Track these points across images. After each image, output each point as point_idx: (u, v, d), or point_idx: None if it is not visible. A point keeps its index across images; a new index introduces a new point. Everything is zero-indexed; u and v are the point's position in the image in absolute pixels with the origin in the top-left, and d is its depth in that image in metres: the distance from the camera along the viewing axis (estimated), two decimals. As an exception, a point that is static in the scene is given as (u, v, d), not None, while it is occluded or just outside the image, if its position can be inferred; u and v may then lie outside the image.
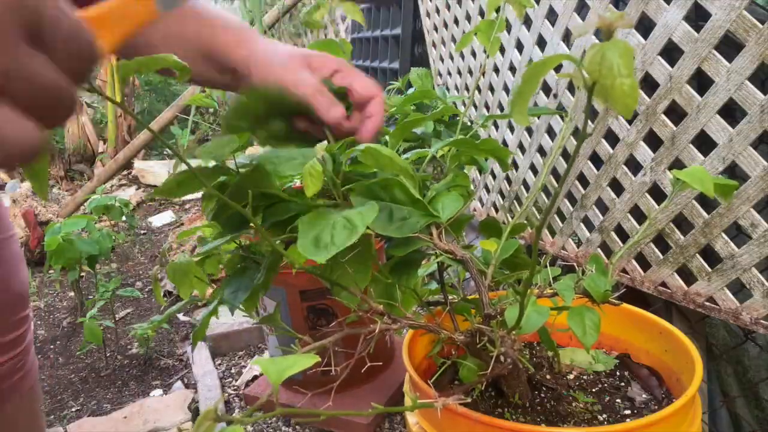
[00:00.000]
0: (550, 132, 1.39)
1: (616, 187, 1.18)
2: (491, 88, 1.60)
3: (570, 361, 0.79)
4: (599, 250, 1.26)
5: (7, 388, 0.83)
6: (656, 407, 0.69)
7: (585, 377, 0.77)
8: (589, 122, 1.22)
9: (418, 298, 0.67)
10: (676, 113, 1.01)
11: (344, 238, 0.46)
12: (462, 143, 0.64)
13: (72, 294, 2.35)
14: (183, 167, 0.50)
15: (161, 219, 3.43)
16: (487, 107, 1.65)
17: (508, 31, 1.46)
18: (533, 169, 1.48)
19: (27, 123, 0.26)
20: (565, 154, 1.35)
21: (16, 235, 0.84)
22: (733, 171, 0.95)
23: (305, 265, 0.56)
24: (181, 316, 2.13)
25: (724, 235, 0.96)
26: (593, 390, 0.74)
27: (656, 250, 1.11)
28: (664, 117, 1.03)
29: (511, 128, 1.55)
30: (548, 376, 0.75)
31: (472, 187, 0.72)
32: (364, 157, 0.54)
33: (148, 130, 0.44)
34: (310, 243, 0.46)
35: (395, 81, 1.48)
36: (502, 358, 0.59)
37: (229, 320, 1.87)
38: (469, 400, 0.65)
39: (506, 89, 1.54)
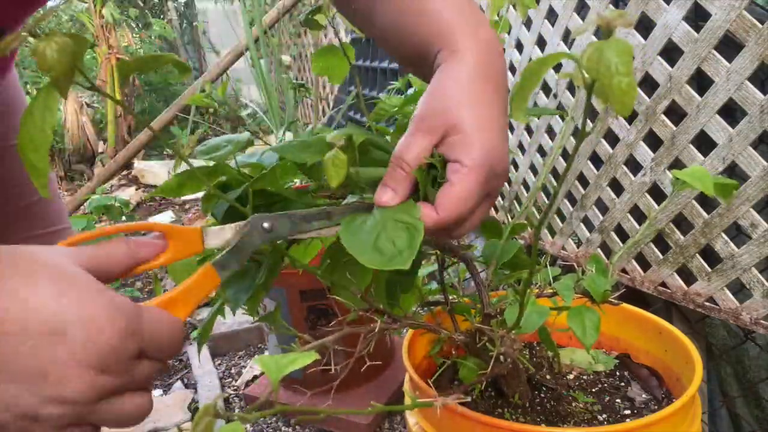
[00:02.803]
0: (550, 132, 1.39)
1: (616, 187, 1.18)
2: (491, 88, 1.60)
3: (570, 361, 0.79)
4: (599, 250, 1.26)
5: None
6: (656, 407, 0.69)
7: (585, 377, 0.77)
8: (589, 122, 1.23)
9: (418, 297, 0.67)
10: (676, 113, 1.01)
11: (408, 239, 0.43)
12: None
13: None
14: (184, 167, 0.50)
15: (161, 219, 3.43)
16: (487, 107, 1.65)
17: (508, 32, 1.46)
18: (533, 169, 1.48)
19: (141, 397, 0.38)
20: (565, 154, 1.35)
21: (71, 228, 0.86)
22: (733, 171, 0.95)
23: (308, 265, 0.56)
24: (181, 316, 2.12)
25: (724, 235, 0.96)
26: (593, 390, 0.74)
27: (656, 250, 1.11)
28: (663, 117, 1.03)
29: (511, 128, 1.55)
30: (548, 376, 0.75)
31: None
32: (362, 150, 0.53)
33: (149, 128, 0.44)
34: (372, 252, 0.43)
35: (395, 81, 1.48)
36: (501, 358, 0.59)
37: (229, 320, 1.87)
38: (468, 399, 0.65)
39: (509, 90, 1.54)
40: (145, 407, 0.38)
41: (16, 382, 0.33)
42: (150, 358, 0.38)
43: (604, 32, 0.27)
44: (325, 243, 0.61)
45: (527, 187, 1.52)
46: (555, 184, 1.39)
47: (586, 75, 0.27)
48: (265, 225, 0.48)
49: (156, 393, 1.71)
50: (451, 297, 0.69)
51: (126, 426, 0.37)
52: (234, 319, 1.87)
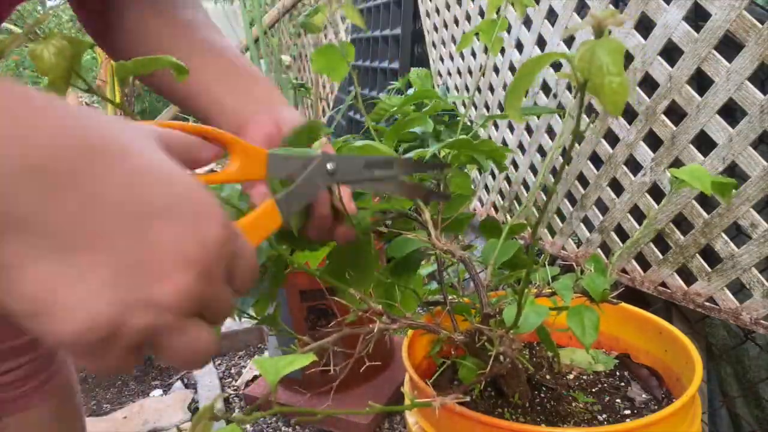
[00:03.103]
0: (550, 132, 1.39)
1: (616, 187, 1.18)
2: (491, 88, 1.60)
3: (570, 361, 0.79)
4: (599, 250, 1.26)
5: (34, 388, 0.82)
6: (656, 407, 0.69)
7: (585, 377, 0.77)
8: (586, 118, 1.23)
9: (418, 298, 0.67)
10: (676, 113, 1.01)
11: None
12: (461, 144, 0.64)
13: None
14: None
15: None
16: (487, 107, 1.65)
17: (508, 32, 1.46)
18: (533, 169, 1.48)
19: (209, 333, 0.31)
20: (564, 154, 1.35)
21: None
22: (733, 171, 0.95)
23: (307, 267, 0.56)
24: (181, 316, 2.13)
25: (724, 235, 0.96)
26: (593, 390, 0.74)
27: (656, 250, 1.11)
28: (664, 117, 1.03)
29: (511, 128, 1.55)
30: (548, 376, 0.75)
31: (471, 186, 0.72)
32: (360, 153, 0.54)
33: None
34: None
35: (395, 81, 1.49)
36: (501, 358, 0.59)
37: (228, 320, 1.87)
38: (467, 399, 0.65)
39: (506, 89, 1.54)
40: (211, 345, 0.31)
41: (110, 276, 0.25)
42: (230, 284, 0.32)
43: (596, 32, 0.27)
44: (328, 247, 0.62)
45: (527, 187, 1.52)
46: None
47: (579, 75, 0.27)
48: (329, 167, 0.44)
49: (156, 393, 1.71)
50: (450, 297, 0.69)
51: (187, 366, 0.31)
52: (234, 320, 1.87)
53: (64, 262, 0.24)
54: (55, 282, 0.24)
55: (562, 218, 1.37)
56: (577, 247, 1.35)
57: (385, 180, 0.49)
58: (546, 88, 1.37)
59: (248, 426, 1.48)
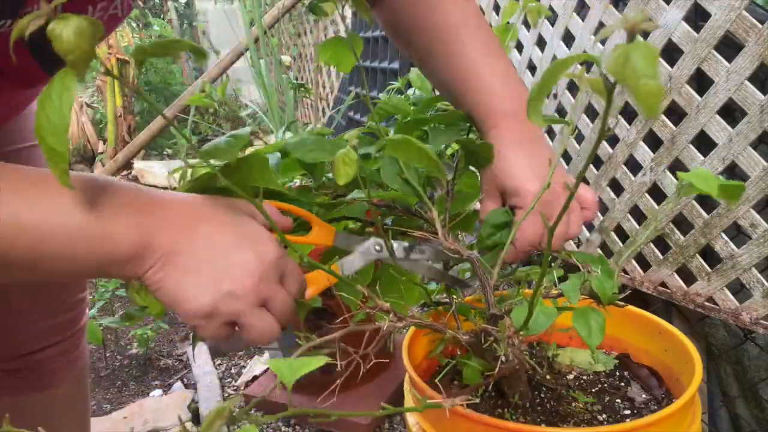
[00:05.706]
0: (550, 132, 1.40)
1: (616, 187, 1.18)
2: (491, 89, 1.60)
3: (570, 361, 0.79)
4: (599, 250, 1.26)
5: (63, 367, 0.90)
6: (656, 407, 0.69)
7: (585, 377, 0.77)
8: (594, 123, 1.23)
9: (422, 294, 0.67)
10: (676, 113, 1.01)
11: None
12: (461, 144, 0.64)
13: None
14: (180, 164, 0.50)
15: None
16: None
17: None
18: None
19: (275, 321, 0.50)
20: (565, 155, 1.35)
21: None
22: (733, 171, 0.95)
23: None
24: (180, 316, 2.12)
25: (723, 235, 0.96)
26: (593, 390, 0.74)
27: (656, 250, 1.11)
28: (664, 117, 1.03)
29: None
30: (548, 376, 0.75)
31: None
32: (393, 148, 0.52)
33: (163, 116, 0.44)
34: None
35: (395, 81, 1.48)
36: (508, 359, 0.59)
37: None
38: (477, 400, 0.65)
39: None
40: (274, 330, 0.50)
41: (210, 281, 0.46)
42: (286, 289, 0.51)
43: (628, 36, 0.27)
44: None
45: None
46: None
47: (610, 77, 0.27)
48: (377, 247, 0.59)
49: (156, 393, 1.71)
50: (453, 297, 0.69)
51: (257, 342, 0.49)
52: (234, 319, 1.87)
53: (187, 278, 0.47)
54: (182, 289, 0.47)
55: (562, 218, 1.37)
56: (578, 248, 1.35)
57: (419, 262, 0.62)
58: (546, 89, 1.37)
59: (248, 426, 1.48)
